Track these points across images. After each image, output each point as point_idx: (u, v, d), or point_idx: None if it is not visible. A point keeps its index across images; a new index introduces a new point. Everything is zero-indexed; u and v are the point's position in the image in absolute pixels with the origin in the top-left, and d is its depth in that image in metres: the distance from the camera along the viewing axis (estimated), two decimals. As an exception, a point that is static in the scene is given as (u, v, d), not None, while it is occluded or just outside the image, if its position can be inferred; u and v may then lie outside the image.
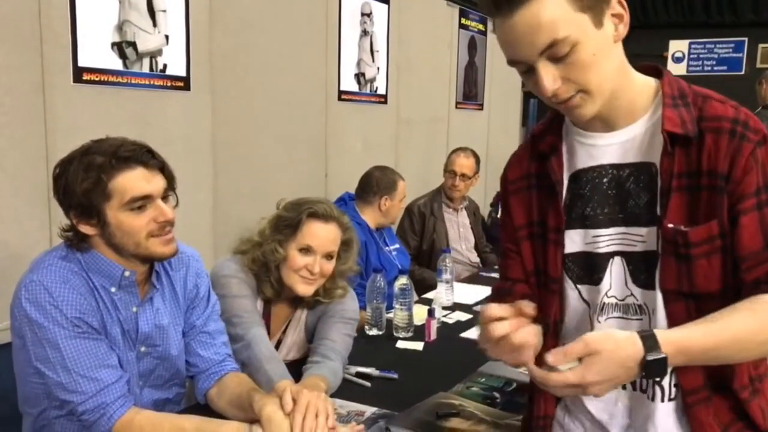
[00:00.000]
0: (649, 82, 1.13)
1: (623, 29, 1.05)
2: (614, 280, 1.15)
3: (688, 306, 1.08)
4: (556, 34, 0.99)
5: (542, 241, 1.20)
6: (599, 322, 1.16)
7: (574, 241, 1.17)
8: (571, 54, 1.00)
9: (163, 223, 1.43)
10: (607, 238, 1.15)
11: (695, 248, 1.06)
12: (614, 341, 0.96)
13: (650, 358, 0.95)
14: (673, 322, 1.07)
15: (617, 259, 1.14)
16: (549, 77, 1.02)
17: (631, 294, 1.14)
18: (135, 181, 1.39)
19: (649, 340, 0.96)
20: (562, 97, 1.05)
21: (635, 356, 0.96)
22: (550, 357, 0.96)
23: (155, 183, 1.42)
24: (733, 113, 1.08)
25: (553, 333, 1.21)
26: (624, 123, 1.12)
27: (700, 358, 1.02)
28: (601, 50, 1.02)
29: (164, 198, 1.45)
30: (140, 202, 1.40)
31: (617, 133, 1.13)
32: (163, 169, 1.46)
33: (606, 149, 1.14)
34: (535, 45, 1.00)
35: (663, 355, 0.96)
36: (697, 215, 1.07)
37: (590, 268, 1.16)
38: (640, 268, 1.12)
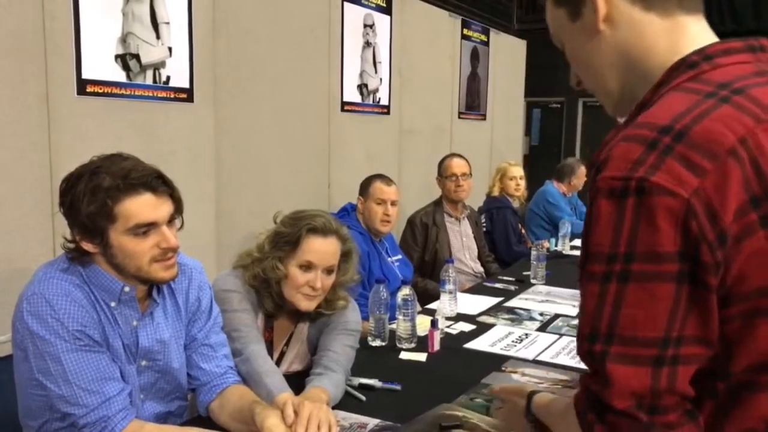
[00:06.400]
0: None
1: (593, 17, 0.90)
2: None
3: None
4: (552, 32, 0.99)
5: None
6: None
7: None
8: (566, 51, 0.99)
9: (166, 249, 1.43)
10: None
11: None
12: None
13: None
14: None
15: None
16: (572, 72, 1.01)
17: None
18: (141, 207, 1.38)
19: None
20: (591, 93, 1.00)
21: None
22: None
23: (162, 210, 1.41)
24: None
25: None
26: None
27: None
28: (580, 46, 0.95)
29: (170, 221, 1.44)
30: (144, 228, 1.40)
31: None
32: (172, 194, 1.45)
33: None
34: (555, 42, 1.01)
35: None
36: None
37: None
38: None
